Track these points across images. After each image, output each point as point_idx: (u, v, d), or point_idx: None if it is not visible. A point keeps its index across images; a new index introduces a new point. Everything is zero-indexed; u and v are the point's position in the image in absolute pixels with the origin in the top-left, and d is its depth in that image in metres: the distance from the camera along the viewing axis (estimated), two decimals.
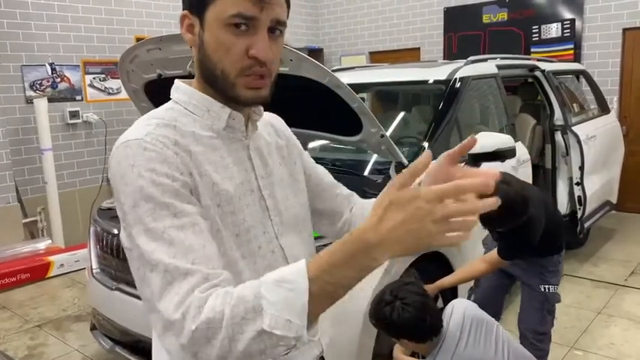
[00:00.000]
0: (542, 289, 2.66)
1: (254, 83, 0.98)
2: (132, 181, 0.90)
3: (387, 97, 4.31)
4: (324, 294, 0.80)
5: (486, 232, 2.90)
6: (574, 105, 4.91)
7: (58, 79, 5.67)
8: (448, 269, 2.80)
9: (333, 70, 3.78)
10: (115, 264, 2.85)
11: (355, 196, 1.35)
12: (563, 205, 4.43)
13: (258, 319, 0.77)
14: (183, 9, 1.01)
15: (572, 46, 6.24)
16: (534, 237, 2.45)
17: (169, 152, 0.93)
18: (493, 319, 2.23)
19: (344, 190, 1.33)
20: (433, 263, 2.79)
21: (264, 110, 1.15)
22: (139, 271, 0.89)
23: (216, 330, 0.78)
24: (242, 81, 0.97)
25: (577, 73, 5.42)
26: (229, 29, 0.94)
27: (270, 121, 1.20)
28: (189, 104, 1.03)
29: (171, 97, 1.07)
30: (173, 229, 0.87)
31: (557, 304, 2.76)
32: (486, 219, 2.31)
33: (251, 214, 1.03)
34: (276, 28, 0.97)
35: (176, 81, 1.08)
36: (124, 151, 0.92)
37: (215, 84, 1.00)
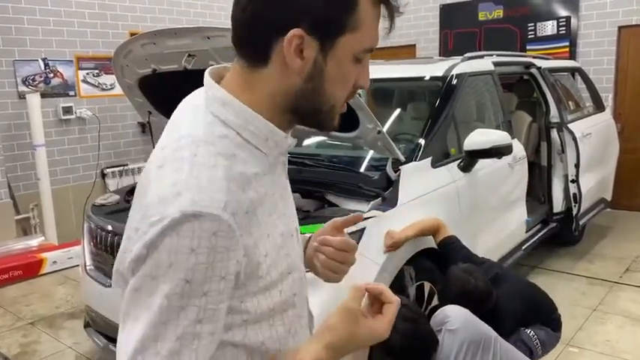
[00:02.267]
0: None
1: (342, 110, 0.90)
2: (180, 266, 0.74)
3: (384, 93, 4.29)
4: None
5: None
6: (570, 102, 4.92)
7: (51, 75, 5.62)
8: (445, 265, 2.79)
9: None
10: (109, 261, 2.83)
11: None
12: (558, 203, 4.43)
13: None
14: (290, 24, 0.79)
15: (567, 43, 6.24)
16: (505, 322, 2.39)
17: (236, 239, 0.77)
18: (491, 330, 2.19)
19: None
20: (429, 260, 2.78)
21: None
22: (128, 341, 0.77)
23: None
24: (340, 111, 0.89)
25: (572, 71, 5.43)
26: (354, 61, 0.84)
27: None
28: (245, 130, 0.84)
29: (212, 110, 0.85)
30: (189, 336, 0.75)
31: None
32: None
33: (293, 246, 0.93)
34: None
35: (217, 87, 0.86)
36: (191, 223, 0.73)
37: (312, 116, 0.87)
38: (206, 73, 0.89)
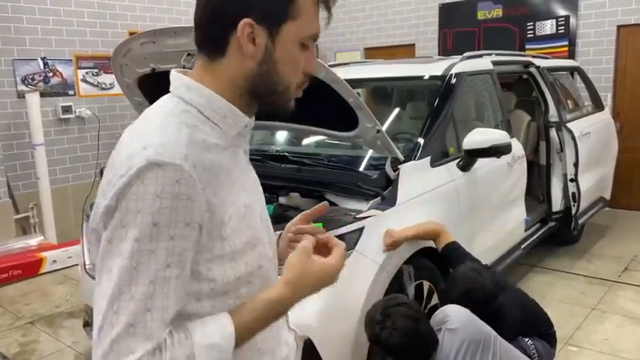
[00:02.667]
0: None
1: (298, 94, 1.03)
2: (146, 210, 0.83)
3: (383, 92, 4.30)
4: (242, 344, 0.95)
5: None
6: (568, 102, 4.92)
7: (51, 74, 5.62)
8: (444, 265, 2.79)
9: (328, 66, 3.76)
10: None
11: None
12: (557, 202, 4.44)
13: None
14: (240, 15, 0.92)
15: (566, 42, 6.25)
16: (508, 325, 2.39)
17: (197, 189, 0.86)
18: (491, 330, 2.18)
19: None
20: (428, 259, 2.78)
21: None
22: (103, 291, 0.85)
23: None
24: (295, 95, 1.02)
25: (571, 70, 5.43)
26: (300, 47, 0.97)
27: None
28: (206, 108, 0.96)
29: (178, 94, 0.97)
30: (161, 280, 0.84)
31: (551, 301, 2.75)
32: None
33: (260, 222, 1.04)
34: None
35: (181, 77, 0.99)
36: (154, 171, 0.83)
37: (268, 97, 0.99)
38: (172, 71, 1.01)
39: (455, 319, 2.15)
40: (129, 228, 0.83)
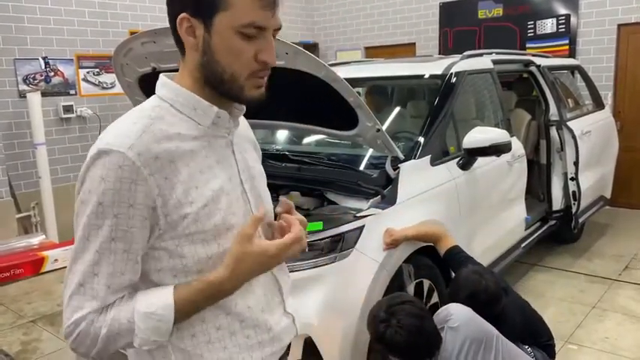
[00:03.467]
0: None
1: (260, 83, 1.06)
2: (94, 191, 0.96)
3: (383, 91, 4.30)
4: (186, 317, 1.04)
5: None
6: (569, 100, 4.92)
7: (52, 74, 5.63)
8: (444, 264, 2.80)
9: (329, 65, 3.77)
10: None
11: None
12: (557, 201, 4.44)
13: (129, 337, 1.00)
14: (178, 11, 1.01)
15: (567, 41, 6.25)
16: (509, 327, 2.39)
17: (143, 174, 0.96)
18: (493, 329, 2.19)
19: None
20: (428, 257, 2.79)
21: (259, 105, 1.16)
22: (71, 252, 1.02)
23: (93, 342, 1.00)
24: (250, 83, 1.04)
25: (572, 69, 5.43)
26: (240, 35, 1.00)
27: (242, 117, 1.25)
28: (176, 102, 1.06)
29: (157, 92, 1.09)
30: (106, 251, 0.98)
31: (551, 299, 2.75)
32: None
33: (238, 208, 1.10)
34: (275, 32, 1.05)
35: (161, 76, 1.09)
36: (103, 158, 0.96)
37: (220, 86, 1.04)
38: (160, 75, 1.10)
39: (457, 318, 2.15)
40: (85, 205, 0.98)
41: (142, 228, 0.98)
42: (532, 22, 6.48)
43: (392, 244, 2.49)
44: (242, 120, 1.22)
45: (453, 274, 2.63)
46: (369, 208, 2.55)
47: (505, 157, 3.42)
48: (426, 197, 2.84)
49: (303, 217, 1.22)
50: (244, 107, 1.15)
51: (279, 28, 1.05)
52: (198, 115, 1.06)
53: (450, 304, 2.28)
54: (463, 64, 3.53)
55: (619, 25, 5.97)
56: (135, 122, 1.01)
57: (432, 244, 2.71)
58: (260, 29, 1.00)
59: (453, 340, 2.10)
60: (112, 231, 0.97)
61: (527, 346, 2.46)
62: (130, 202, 0.96)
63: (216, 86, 1.04)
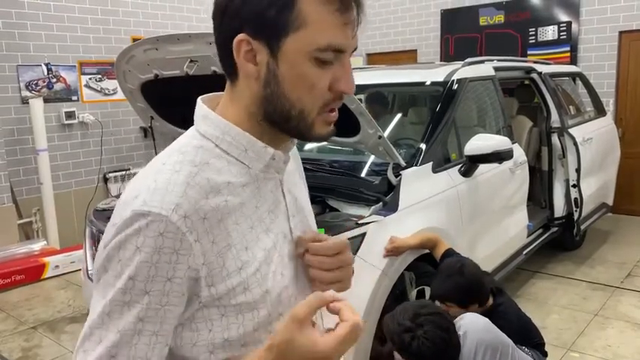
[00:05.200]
0: None
1: (331, 117, 0.86)
2: (126, 262, 0.77)
3: (385, 98, 4.31)
4: None
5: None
6: (570, 107, 4.93)
7: (54, 80, 5.65)
8: None
9: None
10: None
11: None
12: (559, 208, 4.43)
13: None
14: (236, 31, 0.80)
15: (568, 48, 6.26)
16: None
17: (188, 242, 0.78)
18: (509, 340, 2.18)
19: None
20: (430, 265, 2.78)
21: None
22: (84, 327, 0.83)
23: None
24: (321, 119, 0.85)
25: (573, 76, 5.44)
26: (315, 62, 0.80)
27: None
28: (223, 141, 0.85)
29: (196, 127, 0.88)
30: (130, 332, 0.78)
31: (553, 307, 2.75)
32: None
33: (288, 265, 0.91)
34: (351, 55, 0.86)
35: (201, 105, 0.89)
36: (139, 223, 0.76)
37: (284, 123, 0.84)
38: (199, 99, 0.91)
39: (474, 325, 2.15)
40: (111, 277, 0.79)
41: (177, 305, 0.80)
42: (533, 29, 6.49)
43: (393, 252, 2.48)
44: None
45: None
46: (370, 215, 2.55)
47: (507, 164, 3.42)
48: (427, 204, 2.84)
49: (341, 240, 0.96)
50: (296, 140, 0.94)
51: (355, 49, 0.85)
52: (249, 157, 0.86)
53: (466, 314, 2.27)
54: (464, 71, 3.53)
55: (620, 32, 5.98)
56: (177, 170, 0.81)
57: (429, 250, 2.72)
58: (338, 52, 0.81)
59: (470, 345, 2.09)
60: (141, 310, 0.78)
61: (524, 347, 2.47)
62: (168, 276, 0.77)
63: (281, 123, 0.84)
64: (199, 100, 0.90)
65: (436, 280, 2.47)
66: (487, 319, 2.23)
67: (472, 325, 2.17)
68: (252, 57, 0.81)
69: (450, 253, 2.64)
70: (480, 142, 3.06)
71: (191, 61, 2.44)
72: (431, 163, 2.98)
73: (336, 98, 0.84)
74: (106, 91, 6.07)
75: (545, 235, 4.32)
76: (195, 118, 0.89)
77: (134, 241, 0.76)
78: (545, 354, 2.57)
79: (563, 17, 6.28)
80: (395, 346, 2.11)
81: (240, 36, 0.80)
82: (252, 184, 0.87)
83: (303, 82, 0.81)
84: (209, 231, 0.80)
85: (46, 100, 5.46)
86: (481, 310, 2.37)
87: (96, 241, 2.97)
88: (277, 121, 0.84)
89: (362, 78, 3.94)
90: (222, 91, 0.91)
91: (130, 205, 0.78)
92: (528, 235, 3.98)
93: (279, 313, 0.88)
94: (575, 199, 4.37)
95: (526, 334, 2.53)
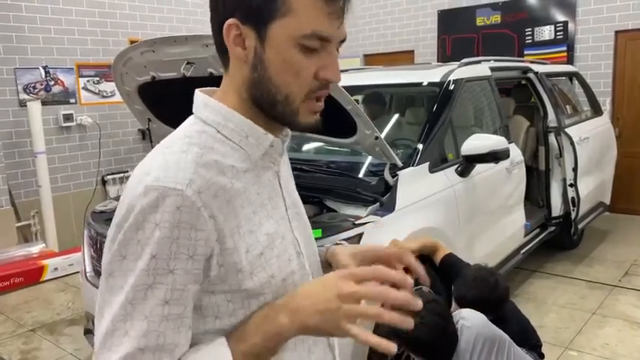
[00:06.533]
0: None
1: (317, 106, 0.88)
2: (146, 241, 0.76)
3: (381, 99, 4.32)
4: None
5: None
6: (567, 107, 4.94)
7: (52, 82, 5.65)
8: (448, 280, 2.80)
9: None
10: None
11: None
12: (556, 207, 4.45)
13: None
14: (227, 16, 0.83)
15: (565, 48, 6.28)
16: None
17: (204, 217, 0.78)
18: (505, 335, 2.20)
19: None
20: (429, 266, 2.79)
21: None
22: (101, 325, 0.79)
23: None
24: (306, 106, 0.86)
25: (570, 75, 5.46)
26: (300, 48, 0.82)
27: None
28: (225, 127, 0.87)
29: (195, 113, 0.90)
30: (157, 318, 0.76)
31: (552, 306, 2.76)
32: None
33: (292, 253, 0.93)
34: (339, 45, 0.88)
35: (200, 94, 0.91)
36: (155, 200, 0.76)
37: (271, 108, 0.86)
38: (196, 90, 0.92)
39: (471, 320, 2.18)
40: (130, 261, 0.77)
41: (195, 283, 0.80)
42: (530, 29, 6.51)
43: None
44: None
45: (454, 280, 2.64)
46: (367, 216, 2.56)
47: (504, 163, 3.43)
48: (424, 204, 2.85)
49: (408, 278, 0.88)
50: (289, 132, 0.97)
51: (344, 40, 0.87)
52: (249, 144, 0.88)
53: (462, 309, 2.29)
54: (461, 71, 3.55)
55: (616, 32, 6.00)
56: (184, 150, 0.82)
57: (429, 254, 2.72)
58: (323, 41, 0.82)
59: (467, 338, 2.11)
60: (167, 292, 0.76)
61: (523, 348, 2.48)
62: (189, 253, 0.77)
63: (267, 108, 0.86)
64: (197, 90, 0.92)
65: (464, 284, 2.44)
66: (483, 315, 2.24)
67: (471, 318, 2.19)
68: (242, 41, 0.83)
69: (451, 257, 2.64)
70: (477, 142, 3.07)
71: (188, 63, 2.45)
72: (428, 163, 2.99)
73: (322, 86, 0.85)
74: (104, 94, 6.08)
75: (543, 235, 4.33)
76: (194, 106, 0.90)
77: (152, 218, 0.76)
78: (542, 355, 2.58)
79: (560, 17, 6.30)
80: (391, 335, 2.12)
81: (230, 20, 0.82)
82: (253, 171, 0.88)
83: (289, 67, 0.82)
84: (220, 209, 0.80)
85: (43, 103, 5.47)
86: (490, 318, 2.38)
87: (94, 243, 2.97)
88: (264, 106, 0.86)
89: (359, 79, 3.96)
90: None
91: (142, 181, 0.79)
92: (526, 235, 4.00)
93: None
94: (573, 198, 4.39)
95: (524, 337, 2.54)
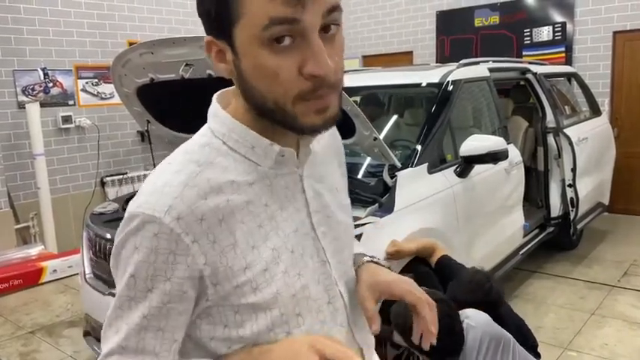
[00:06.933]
0: None
1: (319, 105, 0.78)
2: (126, 260, 0.81)
3: (380, 100, 4.33)
4: None
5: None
6: (566, 107, 4.95)
7: (51, 84, 5.65)
8: (445, 281, 2.80)
9: None
10: (108, 269, 2.84)
11: None
12: (555, 207, 4.45)
13: None
14: (207, 33, 0.81)
15: (563, 49, 6.29)
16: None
17: (184, 243, 0.78)
18: (510, 335, 2.21)
19: None
20: (427, 266, 2.79)
21: None
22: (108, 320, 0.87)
23: None
24: (303, 108, 0.78)
25: (568, 76, 5.46)
26: (269, 47, 0.74)
27: None
28: (229, 138, 0.84)
29: (208, 123, 0.88)
30: (137, 327, 0.81)
31: (551, 306, 2.76)
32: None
33: (306, 265, 0.89)
34: (331, 23, 0.76)
35: (214, 101, 0.88)
36: (137, 224, 0.78)
37: (271, 115, 0.80)
38: (215, 95, 0.90)
39: (476, 319, 2.19)
40: (118, 272, 0.84)
41: (181, 303, 0.81)
42: (528, 30, 6.52)
43: (394, 256, 2.50)
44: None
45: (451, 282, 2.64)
46: (366, 217, 2.56)
47: (502, 164, 3.43)
48: (423, 205, 2.85)
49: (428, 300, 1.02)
50: (310, 138, 0.89)
51: (335, 10, 0.75)
52: (257, 154, 0.84)
53: (466, 309, 2.29)
54: (460, 72, 3.55)
55: (614, 33, 6.01)
56: (178, 170, 0.81)
57: (426, 257, 2.72)
58: (292, 26, 0.72)
59: (473, 337, 2.12)
60: (144, 307, 0.81)
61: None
62: (167, 275, 0.79)
63: (268, 117, 0.81)
64: (215, 96, 0.90)
65: (459, 286, 2.45)
66: (487, 315, 2.25)
67: (476, 318, 2.21)
68: (223, 56, 0.81)
69: (446, 258, 2.65)
70: (476, 143, 3.07)
71: (186, 64, 2.45)
72: (426, 164, 2.99)
73: (316, 84, 0.76)
74: (103, 95, 6.08)
75: (542, 235, 4.34)
76: (208, 114, 0.89)
77: (132, 240, 0.79)
78: (539, 355, 2.58)
79: (558, 18, 6.31)
80: (398, 328, 2.12)
81: (207, 38, 0.81)
82: (261, 182, 0.85)
83: (264, 72, 0.76)
84: (208, 232, 0.79)
85: (42, 105, 5.46)
86: None
87: (93, 245, 2.97)
88: (266, 115, 0.81)
89: (358, 80, 3.96)
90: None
91: (131, 205, 0.82)
92: (525, 235, 4.00)
93: (297, 314, 0.87)
94: (571, 198, 4.39)
95: (521, 338, 2.54)
